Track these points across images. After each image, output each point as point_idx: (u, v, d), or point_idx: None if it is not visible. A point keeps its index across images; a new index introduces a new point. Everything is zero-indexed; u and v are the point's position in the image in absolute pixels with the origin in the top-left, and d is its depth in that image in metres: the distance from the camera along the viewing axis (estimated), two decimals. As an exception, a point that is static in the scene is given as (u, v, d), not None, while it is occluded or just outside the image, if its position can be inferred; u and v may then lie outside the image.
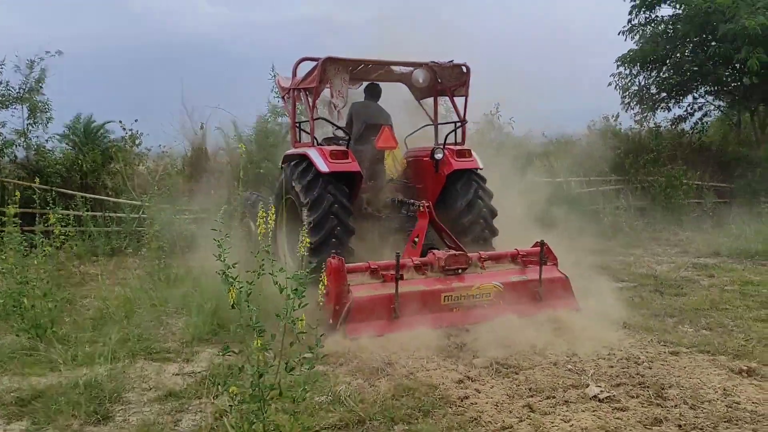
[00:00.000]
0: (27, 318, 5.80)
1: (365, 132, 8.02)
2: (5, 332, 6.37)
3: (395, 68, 8.21)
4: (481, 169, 7.89)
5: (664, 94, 17.87)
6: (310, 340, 3.47)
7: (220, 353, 3.23)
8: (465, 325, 6.14)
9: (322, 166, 7.03)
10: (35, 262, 6.52)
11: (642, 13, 17.11)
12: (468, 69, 7.92)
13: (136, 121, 13.79)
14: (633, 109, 17.83)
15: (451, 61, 7.92)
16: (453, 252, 6.57)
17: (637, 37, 17.23)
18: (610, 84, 17.83)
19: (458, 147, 7.90)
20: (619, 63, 17.69)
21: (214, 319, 6.15)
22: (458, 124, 8.06)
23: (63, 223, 8.78)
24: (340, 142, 7.99)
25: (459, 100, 8.14)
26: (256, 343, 3.15)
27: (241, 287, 3.12)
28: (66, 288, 8.06)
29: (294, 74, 7.95)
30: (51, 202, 9.08)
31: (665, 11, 17.18)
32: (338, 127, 8.07)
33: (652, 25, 17.13)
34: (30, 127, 13.17)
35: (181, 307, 7.00)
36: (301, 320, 3.20)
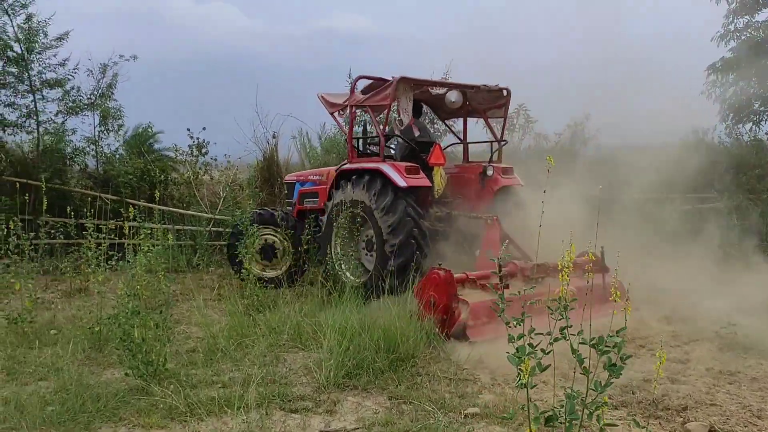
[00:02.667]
0: (137, 353, 4.92)
1: (414, 149, 8.33)
2: (104, 366, 5.57)
3: (431, 88, 8.50)
4: (522, 186, 8.40)
5: (758, 104, 16.52)
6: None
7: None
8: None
9: (400, 182, 7.30)
10: (138, 286, 5.74)
11: (740, 18, 15.88)
12: (509, 92, 8.42)
13: (204, 129, 13.06)
14: (729, 120, 16.48)
15: (496, 85, 8.38)
16: (535, 262, 6.86)
17: (732, 44, 15.98)
18: (702, 93, 16.53)
19: (502, 165, 8.40)
20: (710, 72, 16.46)
21: (348, 358, 5.25)
22: (495, 145, 8.56)
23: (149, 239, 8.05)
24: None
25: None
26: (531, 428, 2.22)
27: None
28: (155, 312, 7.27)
29: (352, 91, 8.29)
30: (138, 215, 8.35)
31: (763, 15, 15.95)
32: (412, 145, 8.41)
33: (750, 31, 15.86)
34: (101, 135, 12.56)
35: (295, 339, 6.14)
36: (605, 404, 2.26)
